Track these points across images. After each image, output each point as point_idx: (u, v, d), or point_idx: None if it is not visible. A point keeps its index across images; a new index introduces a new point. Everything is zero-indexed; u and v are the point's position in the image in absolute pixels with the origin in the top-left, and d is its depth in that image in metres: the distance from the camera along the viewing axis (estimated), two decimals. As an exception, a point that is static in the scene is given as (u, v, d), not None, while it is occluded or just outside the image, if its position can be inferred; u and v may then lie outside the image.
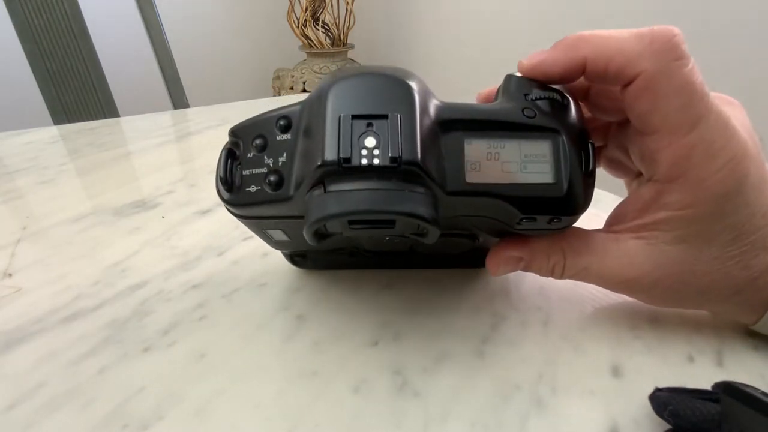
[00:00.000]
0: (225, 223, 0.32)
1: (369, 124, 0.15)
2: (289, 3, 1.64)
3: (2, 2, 0.81)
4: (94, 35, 0.91)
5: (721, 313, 0.21)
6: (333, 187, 0.15)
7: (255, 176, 0.17)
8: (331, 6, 1.64)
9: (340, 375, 0.20)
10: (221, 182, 0.17)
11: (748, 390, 0.15)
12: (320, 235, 0.17)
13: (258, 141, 0.17)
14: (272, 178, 0.16)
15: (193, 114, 0.61)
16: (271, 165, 0.17)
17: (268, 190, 0.16)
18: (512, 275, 0.26)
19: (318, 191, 0.15)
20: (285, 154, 0.16)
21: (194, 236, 0.31)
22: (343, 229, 0.16)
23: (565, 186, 0.16)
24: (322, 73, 1.65)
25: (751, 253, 0.18)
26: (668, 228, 0.18)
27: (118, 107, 0.98)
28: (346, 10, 1.63)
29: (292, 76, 1.74)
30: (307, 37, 1.66)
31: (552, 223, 0.17)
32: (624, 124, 0.21)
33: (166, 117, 0.61)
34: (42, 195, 0.38)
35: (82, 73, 0.90)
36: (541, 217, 0.17)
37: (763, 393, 0.15)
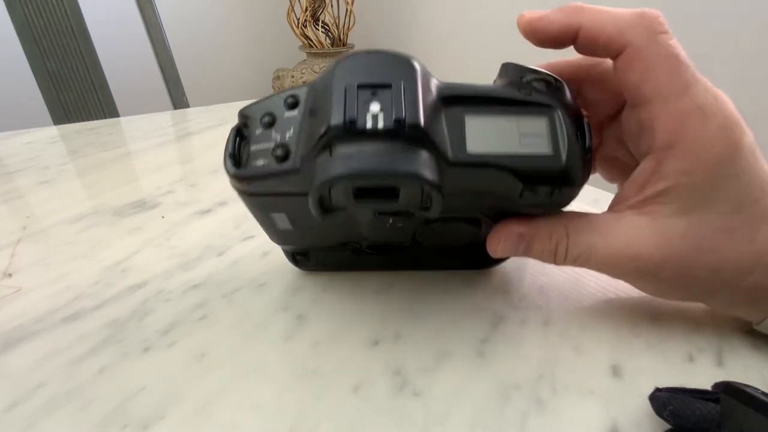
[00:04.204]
0: (225, 223, 0.32)
1: (373, 93, 0.15)
2: (289, 3, 1.64)
3: (2, 2, 0.81)
4: (94, 35, 0.91)
5: (731, 306, 0.20)
6: (339, 151, 0.15)
7: (262, 151, 0.17)
8: (331, 6, 1.64)
9: (340, 375, 0.20)
10: (229, 158, 0.17)
11: (748, 390, 0.15)
12: (325, 208, 0.17)
13: (266, 118, 0.17)
14: (279, 152, 0.17)
15: (193, 114, 0.61)
16: (278, 140, 0.17)
17: (274, 163, 0.17)
18: (512, 274, 0.26)
19: (324, 156, 0.16)
20: (292, 129, 0.17)
21: (194, 236, 0.31)
22: (347, 200, 0.16)
23: (564, 157, 0.17)
24: (322, 73, 1.65)
25: (754, 226, 0.18)
26: (669, 200, 0.18)
27: (118, 107, 0.98)
28: (346, 10, 1.63)
29: (292, 76, 1.74)
30: (307, 37, 1.66)
31: (553, 196, 0.18)
32: (616, 116, 0.21)
33: (166, 117, 0.61)
34: (42, 195, 0.38)
35: (82, 73, 0.90)
36: (542, 189, 0.17)
37: (763, 393, 0.15)
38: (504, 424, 0.18)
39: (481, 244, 0.23)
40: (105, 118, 0.69)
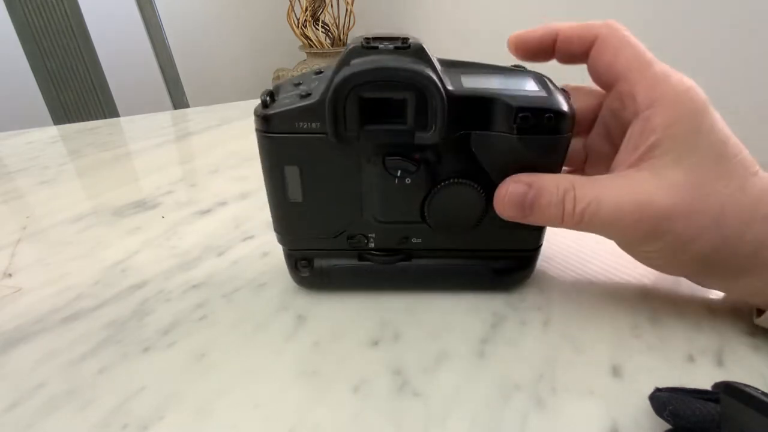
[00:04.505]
0: (225, 223, 0.32)
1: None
2: (289, 3, 1.64)
3: (2, 2, 0.81)
4: (94, 35, 0.91)
5: (739, 273, 0.20)
6: (355, 61, 0.18)
7: (289, 96, 0.20)
8: (331, 6, 1.64)
9: (340, 375, 0.20)
10: (261, 102, 0.20)
11: (748, 390, 0.15)
12: (339, 134, 0.19)
13: (296, 81, 0.21)
14: (303, 93, 0.20)
15: (193, 114, 0.61)
16: (304, 88, 0.20)
17: (297, 100, 0.20)
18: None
19: (342, 69, 0.18)
20: (317, 82, 0.20)
21: (194, 236, 0.31)
22: (357, 126, 0.19)
23: (550, 93, 0.20)
24: (322, 73, 1.65)
25: (740, 175, 0.19)
26: (662, 152, 0.19)
27: (118, 107, 0.98)
28: (346, 10, 1.64)
29: (292, 76, 1.74)
30: (307, 37, 1.66)
31: (547, 121, 0.19)
32: (594, 121, 0.24)
33: (166, 117, 0.61)
34: (42, 195, 0.38)
35: (82, 73, 0.90)
36: (536, 113, 0.19)
37: (763, 393, 0.15)
38: (504, 424, 0.18)
39: (485, 261, 0.23)
40: (105, 118, 0.69)
